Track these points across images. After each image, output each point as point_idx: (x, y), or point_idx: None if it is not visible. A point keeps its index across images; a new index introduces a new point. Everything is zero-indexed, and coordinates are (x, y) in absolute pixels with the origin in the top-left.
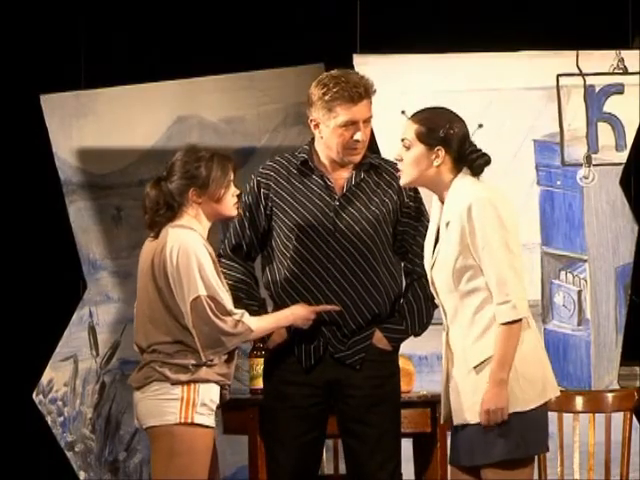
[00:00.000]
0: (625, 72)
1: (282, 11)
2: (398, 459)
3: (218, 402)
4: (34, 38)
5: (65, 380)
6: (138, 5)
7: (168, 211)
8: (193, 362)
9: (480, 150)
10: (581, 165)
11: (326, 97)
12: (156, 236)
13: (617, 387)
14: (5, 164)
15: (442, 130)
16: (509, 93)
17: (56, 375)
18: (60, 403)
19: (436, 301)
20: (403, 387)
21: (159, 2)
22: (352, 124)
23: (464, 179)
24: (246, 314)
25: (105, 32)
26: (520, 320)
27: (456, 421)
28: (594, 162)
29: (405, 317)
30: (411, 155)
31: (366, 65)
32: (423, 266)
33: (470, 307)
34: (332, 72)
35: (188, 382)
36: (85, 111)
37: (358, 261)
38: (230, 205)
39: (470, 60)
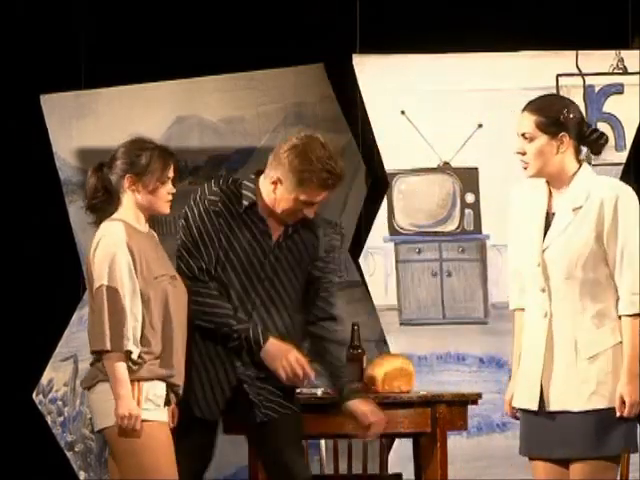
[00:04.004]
0: (625, 72)
1: (282, 11)
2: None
3: (164, 396)
4: (34, 38)
5: (65, 380)
6: (138, 5)
7: (105, 194)
8: (131, 360)
9: (598, 129)
10: None
11: (304, 174)
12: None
13: None
14: (5, 164)
15: (562, 116)
16: (509, 93)
17: (56, 375)
18: (60, 403)
19: (542, 285)
20: (403, 387)
21: (159, 2)
22: (312, 204)
23: (588, 168)
24: (135, 353)
25: (105, 32)
26: None
27: (553, 407)
28: (594, 162)
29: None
30: (535, 146)
31: (366, 65)
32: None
33: (585, 296)
34: (321, 148)
35: (131, 381)
36: (85, 111)
37: (284, 303)
38: (164, 200)
39: (470, 60)
